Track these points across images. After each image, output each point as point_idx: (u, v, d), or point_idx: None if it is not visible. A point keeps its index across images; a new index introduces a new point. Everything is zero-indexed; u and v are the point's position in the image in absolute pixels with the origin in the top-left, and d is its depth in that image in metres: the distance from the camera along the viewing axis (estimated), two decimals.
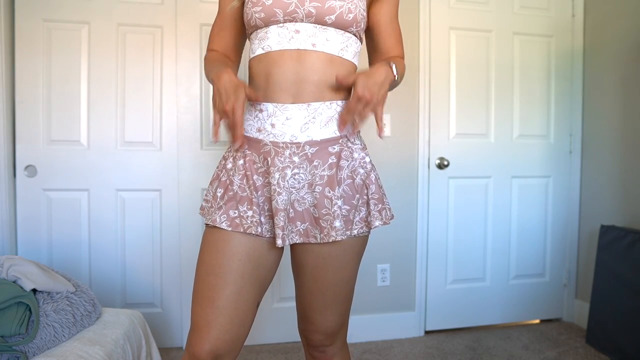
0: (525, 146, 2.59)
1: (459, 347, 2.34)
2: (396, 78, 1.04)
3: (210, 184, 1.11)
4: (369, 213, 1.07)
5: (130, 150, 2.23)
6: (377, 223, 1.07)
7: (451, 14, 2.46)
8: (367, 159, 1.09)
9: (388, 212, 1.10)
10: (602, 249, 2.26)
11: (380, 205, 1.08)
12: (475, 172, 2.52)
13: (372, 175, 1.08)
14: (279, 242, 1.00)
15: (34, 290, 1.46)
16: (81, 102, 2.18)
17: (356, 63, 1.11)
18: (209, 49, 1.17)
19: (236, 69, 1.17)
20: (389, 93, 1.23)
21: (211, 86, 2.43)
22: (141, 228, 2.26)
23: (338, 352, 1.18)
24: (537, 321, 2.69)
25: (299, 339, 2.33)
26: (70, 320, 1.44)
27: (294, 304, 2.32)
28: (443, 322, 2.54)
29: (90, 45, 2.17)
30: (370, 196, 1.07)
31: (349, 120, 1.00)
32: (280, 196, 1.01)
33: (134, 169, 2.23)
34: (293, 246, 1.11)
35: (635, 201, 2.25)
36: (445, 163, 2.46)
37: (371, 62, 1.20)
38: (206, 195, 1.11)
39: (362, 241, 1.11)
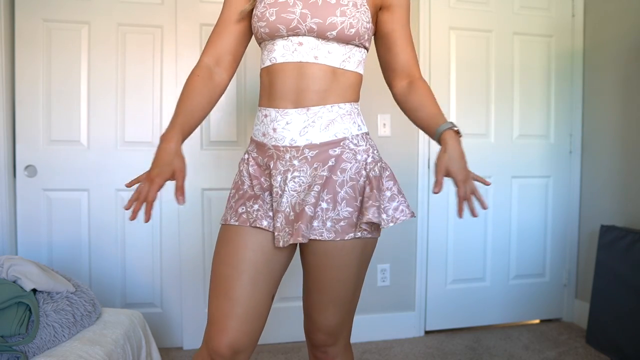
0: (525, 146, 2.59)
1: (459, 347, 2.34)
2: (461, 135, 1.09)
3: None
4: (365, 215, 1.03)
5: (130, 150, 2.23)
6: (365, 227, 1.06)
7: (451, 14, 2.46)
8: (369, 160, 1.09)
9: (407, 210, 1.09)
10: (602, 249, 2.26)
11: (374, 209, 1.04)
12: (475, 172, 2.52)
13: (372, 175, 1.07)
14: (276, 242, 1.04)
15: (34, 290, 1.45)
16: (81, 102, 2.18)
17: (361, 71, 1.13)
18: (204, 51, 1.14)
19: (230, 74, 1.16)
20: (389, 94, 1.24)
21: None
22: (141, 228, 2.25)
23: (341, 353, 1.18)
24: (537, 321, 2.69)
25: (299, 339, 2.34)
26: (70, 320, 1.44)
27: (294, 304, 2.33)
28: (443, 322, 2.54)
29: (90, 45, 2.17)
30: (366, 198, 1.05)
31: (470, 207, 1.04)
32: (282, 199, 1.04)
33: (134, 169, 2.23)
34: (301, 245, 1.12)
35: (635, 201, 2.25)
36: None
37: (384, 67, 1.18)
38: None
39: (365, 243, 1.09)
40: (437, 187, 1.01)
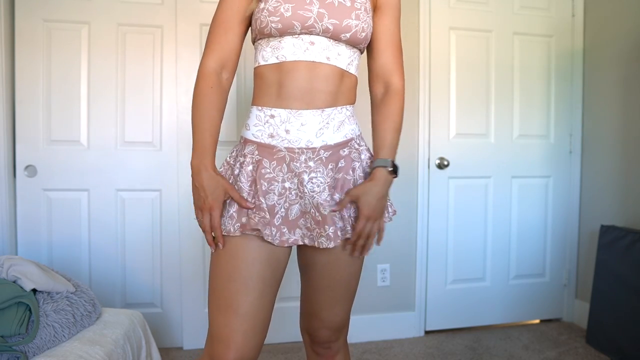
0: (525, 146, 2.59)
1: (459, 347, 2.34)
2: (396, 175, 1.11)
3: None
4: None
5: (130, 150, 2.23)
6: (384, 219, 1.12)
7: (451, 14, 2.46)
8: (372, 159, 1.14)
9: (390, 209, 1.15)
10: (602, 249, 2.26)
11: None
12: (475, 172, 2.53)
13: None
14: (309, 242, 1.05)
15: (34, 290, 1.45)
16: (81, 102, 2.18)
17: (357, 75, 1.14)
18: (209, 54, 1.06)
19: (234, 74, 1.12)
20: None
21: None
22: (141, 228, 2.25)
23: (342, 347, 1.21)
24: (537, 321, 2.69)
25: (299, 339, 2.34)
26: (70, 320, 1.44)
27: (293, 304, 2.33)
28: (443, 322, 2.54)
29: (90, 45, 2.17)
30: None
31: (362, 244, 1.07)
32: (302, 200, 1.04)
33: (134, 169, 2.23)
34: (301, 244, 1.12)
35: (635, 201, 2.25)
36: (445, 163, 2.46)
37: (369, 68, 1.18)
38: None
39: None
40: (338, 206, 1.04)
